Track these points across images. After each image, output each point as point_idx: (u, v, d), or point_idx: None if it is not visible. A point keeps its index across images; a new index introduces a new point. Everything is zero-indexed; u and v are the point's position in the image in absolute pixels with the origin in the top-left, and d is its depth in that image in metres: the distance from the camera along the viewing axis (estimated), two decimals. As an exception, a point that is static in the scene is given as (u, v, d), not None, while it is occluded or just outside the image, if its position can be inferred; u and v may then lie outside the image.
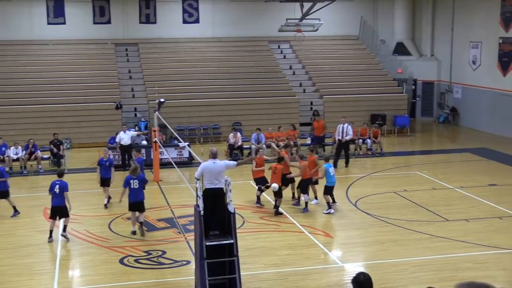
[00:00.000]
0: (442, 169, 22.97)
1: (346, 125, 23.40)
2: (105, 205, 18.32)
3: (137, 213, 16.01)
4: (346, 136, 23.26)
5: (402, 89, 31.52)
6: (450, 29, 33.13)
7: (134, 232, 15.90)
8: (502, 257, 14.11)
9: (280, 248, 14.76)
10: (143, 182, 16.07)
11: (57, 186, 15.53)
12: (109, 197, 18.53)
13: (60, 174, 16.08)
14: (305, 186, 17.80)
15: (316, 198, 18.54)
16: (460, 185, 20.42)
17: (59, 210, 15.56)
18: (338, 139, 23.37)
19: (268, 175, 18.15)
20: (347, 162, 23.43)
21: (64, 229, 15.70)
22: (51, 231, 15.57)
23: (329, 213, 17.52)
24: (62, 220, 15.87)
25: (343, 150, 23.30)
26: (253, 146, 24.84)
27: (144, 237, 15.75)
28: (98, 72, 30.20)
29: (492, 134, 29.55)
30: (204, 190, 11.75)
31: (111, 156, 22.18)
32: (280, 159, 18.16)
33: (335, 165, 20.21)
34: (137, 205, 15.89)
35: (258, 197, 18.36)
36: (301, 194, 18.00)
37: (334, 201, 17.96)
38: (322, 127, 25.11)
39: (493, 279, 11.86)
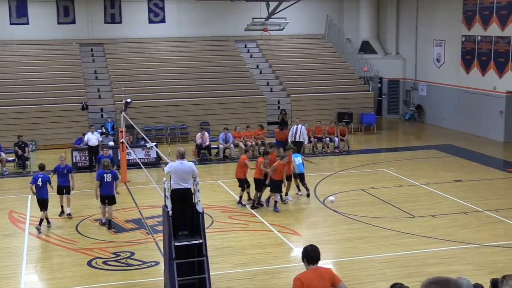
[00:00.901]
0: (408, 166, 23.25)
1: (300, 126, 23.26)
2: (61, 213, 17.42)
3: (107, 208, 16.36)
4: (299, 138, 23.04)
5: (368, 87, 31.80)
6: (414, 28, 33.55)
7: (104, 223, 16.35)
8: (467, 252, 14.35)
9: (249, 247, 14.78)
10: (115, 177, 16.64)
11: (39, 180, 16.34)
12: (63, 210, 17.43)
13: (42, 168, 16.84)
14: (278, 185, 17.79)
15: (286, 194, 18.64)
16: (426, 181, 20.69)
17: (42, 202, 16.36)
18: (291, 141, 23.11)
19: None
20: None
21: (40, 223, 16.27)
22: (41, 220, 16.34)
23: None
24: (42, 212, 16.42)
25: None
26: (221, 146, 24.81)
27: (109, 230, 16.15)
28: (63, 73, 29.83)
29: (457, 131, 30.00)
30: (171, 191, 11.73)
31: (75, 160, 22.07)
32: (265, 153, 18.27)
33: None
34: (109, 198, 16.42)
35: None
36: (274, 194, 17.89)
37: (299, 190, 18.89)
38: (286, 137, 24.00)
39: (459, 274, 12.01)
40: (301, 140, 23.17)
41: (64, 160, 17.69)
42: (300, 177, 19.01)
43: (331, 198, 18.08)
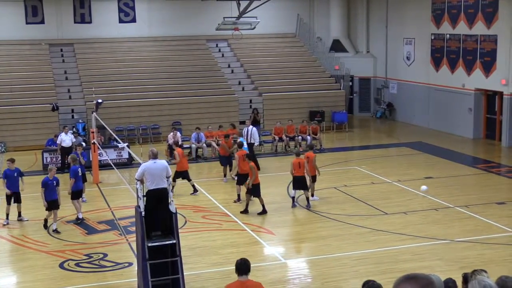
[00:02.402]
0: (380, 164, 23.43)
1: (250, 127, 22.81)
2: (55, 230, 16.01)
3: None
4: (251, 139, 22.51)
5: (340, 86, 31.98)
6: (384, 26, 33.83)
7: (80, 220, 16.69)
8: (438, 248, 14.53)
9: (223, 247, 14.78)
10: (83, 170, 17.59)
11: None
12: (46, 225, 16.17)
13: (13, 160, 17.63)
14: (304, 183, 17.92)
15: (312, 195, 18.66)
16: (398, 178, 20.87)
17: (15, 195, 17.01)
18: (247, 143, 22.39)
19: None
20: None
21: (19, 215, 17.00)
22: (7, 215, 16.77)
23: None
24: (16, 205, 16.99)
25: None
26: (193, 146, 24.74)
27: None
28: (32, 74, 29.48)
29: (427, 128, 30.33)
30: (147, 191, 11.65)
31: (46, 161, 21.84)
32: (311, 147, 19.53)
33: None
34: (80, 192, 17.10)
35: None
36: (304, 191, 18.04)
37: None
38: (230, 146, 21.74)
39: (431, 269, 12.18)
40: (252, 141, 22.62)
41: (54, 172, 16.33)
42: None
43: (424, 187, 18.46)
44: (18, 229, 16.38)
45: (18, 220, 16.94)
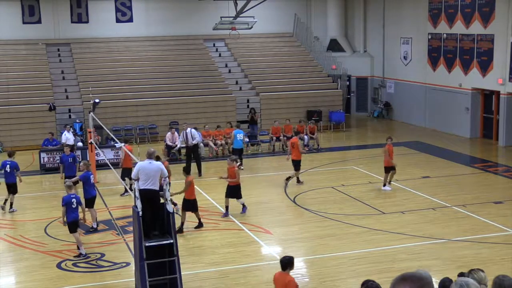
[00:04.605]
0: (377, 163, 23.34)
1: (189, 130, 22.24)
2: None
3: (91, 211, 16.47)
4: (192, 141, 21.97)
5: (337, 85, 31.98)
6: (381, 26, 33.84)
7: (94, 229, 16.23)
8: (436, 247, 14.55)
9: (220, 247, 14.79)
10: None
11: (8, 166, 17.57)
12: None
13: (10, 154, 18.24)
14: (237, 191, 17.25)
15: (386, 184, 19.65)
16: (395, 178, 20.88)
17: (10, 187, 17.62)
18: (186, 146, 22.19)
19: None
20: (199, 170, 21.79)
21: (5, 202, 17.79)
22: (5, 200, 17.77)
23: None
24: (10, 196, 17.73)
25: (193, 155, 22.06)
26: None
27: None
28: (29, 74, 29.42)
29: (424, 128, 30.35)
30: (139, 190, 11.66)
31: (43, 161, 21.70)
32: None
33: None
34: (94, 200, 16.46)
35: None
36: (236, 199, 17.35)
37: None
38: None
39: (428, 269, 12.16)
40: (194, 143, 21.98)
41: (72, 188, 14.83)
42: (240, 152, 21.96)
43: None
44: (16, 229, 16.36)
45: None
